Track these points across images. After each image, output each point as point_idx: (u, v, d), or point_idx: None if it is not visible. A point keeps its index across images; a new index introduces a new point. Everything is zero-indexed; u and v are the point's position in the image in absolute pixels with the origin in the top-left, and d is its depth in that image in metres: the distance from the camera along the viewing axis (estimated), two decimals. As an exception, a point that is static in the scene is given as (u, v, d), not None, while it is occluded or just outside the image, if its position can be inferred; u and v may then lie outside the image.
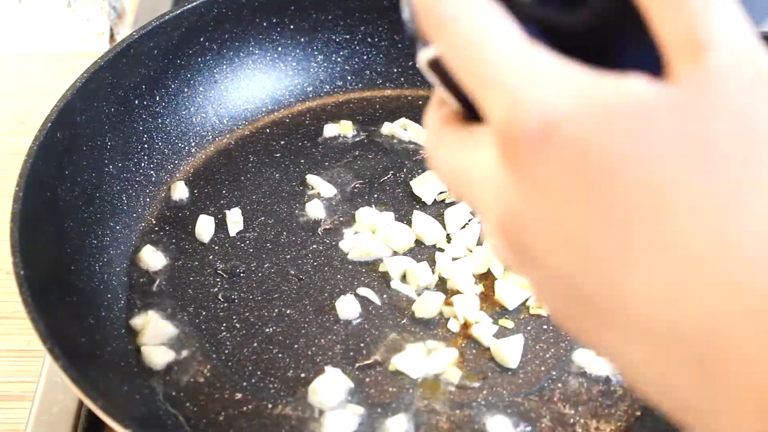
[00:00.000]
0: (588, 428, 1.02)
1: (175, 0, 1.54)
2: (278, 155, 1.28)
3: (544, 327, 1.10)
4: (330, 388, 1.03)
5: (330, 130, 1.30)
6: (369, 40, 1.35)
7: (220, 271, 1.15)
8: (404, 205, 1.21)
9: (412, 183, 1.23)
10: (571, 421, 1.02)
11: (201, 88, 1.29)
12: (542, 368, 1.06)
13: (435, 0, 0.52)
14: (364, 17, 1.34)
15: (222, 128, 1.29)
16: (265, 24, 1.31)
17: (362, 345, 1.09)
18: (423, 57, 0.56)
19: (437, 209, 1.21)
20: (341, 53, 1.35)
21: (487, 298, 1.12)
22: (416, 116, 1.31)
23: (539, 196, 0.49)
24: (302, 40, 1.33)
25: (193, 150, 1.27)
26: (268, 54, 1.33)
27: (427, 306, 1.10)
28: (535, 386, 1.05)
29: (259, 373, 1.06)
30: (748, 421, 0.46)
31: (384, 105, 1.33)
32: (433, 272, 1.14)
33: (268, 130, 1.31)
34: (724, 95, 0.47)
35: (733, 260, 0.46)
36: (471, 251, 1.16)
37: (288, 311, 1.12)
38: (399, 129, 1.29)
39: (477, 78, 0.50)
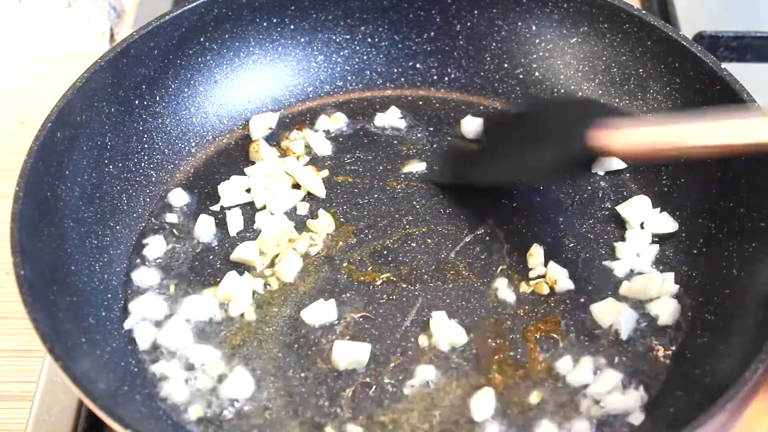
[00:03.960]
0: None
1: (175, 0, 1.54)
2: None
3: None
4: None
5: (323, 122, 1.30)
6: (369, 40, 1.35)
7: (220, 272, 1.15)
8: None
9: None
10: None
11: (201, 88, 1.29)
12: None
13: None
14: (364, 17, 1.34)
15: (222, 128, 1.29)
16: (265, 24, 1.31)
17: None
18: None
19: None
20: (341, 53, 1.35)
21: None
22: (416, 116, 1.31)
23: None
24: (302, 40, 1.33)
25: (193, 150, 1.27)
26: (268, 54, 1.32)
27: None
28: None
29: (259, 372, 1.06)
30: None
31: (384, 105, 1.33)
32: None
33: (268, 130, 1.31)
34: None
35: None
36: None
37: (287, 311, 1.12)
38: (393, 119, 1.30)
39: None
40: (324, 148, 1.27)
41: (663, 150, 1.05)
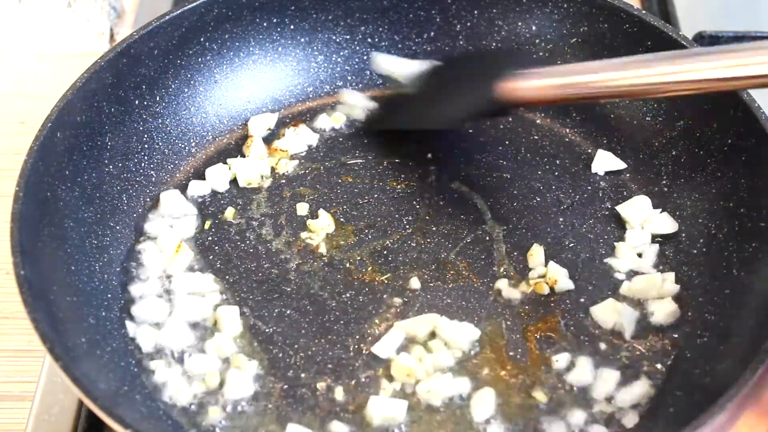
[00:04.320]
0: None
1: (175, 0, 1.54)
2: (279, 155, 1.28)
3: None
4: None
5: (323, 122, 1.30)
6: (369, 40, 1.35)
7: (220, 272, 1.15)
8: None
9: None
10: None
11: (201, 88, 1.29)
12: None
13: None
14: (364, 17, 1.34)
15: (222, 128, 1.29)
16: (265, 24, 1.31)
17: (362, 345, 1.09)
18: None
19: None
20: (341, 53, 1.35)
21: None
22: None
23: None
24: (302, 40, 1.33)
25: (193, 150, 1.27)
26: (268, 54, 1.33)
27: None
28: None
29: (260, 372, 1.06)
30: None
31: (384, 105, 1.33)
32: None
33: (268, 130, 1.31)
34: None
35: None
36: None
37: (288, 311, 1.12)
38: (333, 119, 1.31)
39: None
40: (309, 141, 1.29)
41: (569, 94, 1.12)
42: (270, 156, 1.27)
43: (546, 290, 1.13)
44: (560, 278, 1.13)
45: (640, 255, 1.17)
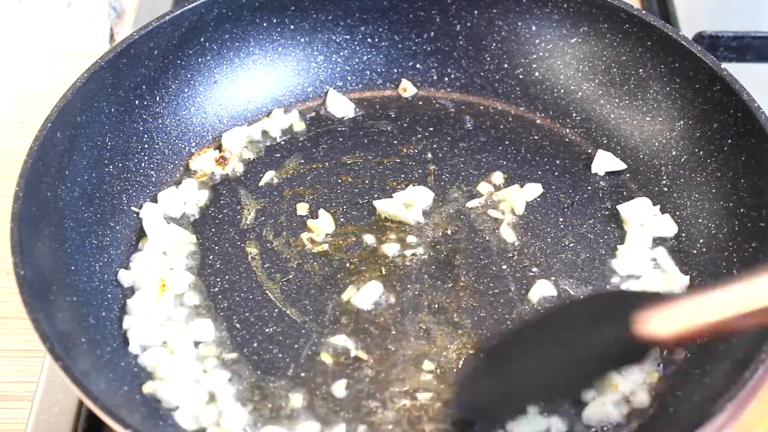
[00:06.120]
0: None
1: (175, 0, 1.54)
2: (278, 155, 1.28)
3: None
4: None
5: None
6: (369, 40, 1.35)
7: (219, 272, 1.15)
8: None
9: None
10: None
11: (201, 88, 1.29)
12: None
13: None
14: (364, 17, 1.34)
15: (222, 128, 1.29)
16: (265, 24, 1.31)
17: (362, 346, 1.09)
18: None
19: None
20: (341, 53, 1.35)
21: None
22: (416, 116, 1.31)
23: None
24: (302, 40, 1.33)
25: (193, 150, 1.27)
26: (268, 54, 1.33)
27: None
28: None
29: (259, 372, 1.06)
30: None
31: (384, 105, 1.33)
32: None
33: (268, 130, 1.31)
34: None
35: None
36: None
37: (288, 311, 1.12)
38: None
39: None
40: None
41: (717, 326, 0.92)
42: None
43: (546, 290, 1.13)
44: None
45: (640, 256, 1.17)
